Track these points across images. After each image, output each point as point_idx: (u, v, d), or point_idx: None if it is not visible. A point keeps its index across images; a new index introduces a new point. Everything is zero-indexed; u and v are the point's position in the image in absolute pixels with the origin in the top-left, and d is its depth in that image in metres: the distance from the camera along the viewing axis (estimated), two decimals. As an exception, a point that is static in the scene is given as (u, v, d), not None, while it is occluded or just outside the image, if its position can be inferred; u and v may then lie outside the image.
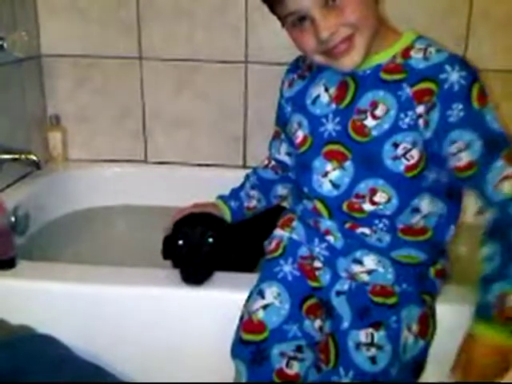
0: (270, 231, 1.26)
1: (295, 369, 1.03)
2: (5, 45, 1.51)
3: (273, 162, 1.32)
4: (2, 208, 1.21)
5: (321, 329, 1.07)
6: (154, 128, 1.91)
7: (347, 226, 1.05)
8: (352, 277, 1.06)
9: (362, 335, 0.99)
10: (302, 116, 1.10)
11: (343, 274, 1.07)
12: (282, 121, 1.22)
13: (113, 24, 1.80)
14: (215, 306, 1.17)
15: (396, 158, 0.98)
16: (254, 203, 1.35)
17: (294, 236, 1.15)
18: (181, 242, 1.19)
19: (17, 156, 1.50)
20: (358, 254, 1.05)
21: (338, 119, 1.04)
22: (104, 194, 1.86)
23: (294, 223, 1.16)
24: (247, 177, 1.37)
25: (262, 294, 1.09)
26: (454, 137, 0.95)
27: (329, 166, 1.04)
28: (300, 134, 1.10)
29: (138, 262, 1.25)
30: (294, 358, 1.03)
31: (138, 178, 1.89)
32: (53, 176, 1.80)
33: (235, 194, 1.36)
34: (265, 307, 1.06)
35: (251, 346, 1.05)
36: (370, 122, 1.00)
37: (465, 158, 0.96)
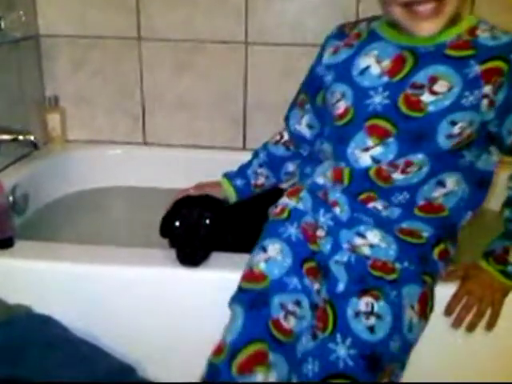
0: (265, 212, 1.25)
1: (291, 324, 1.01)
2: (2, 24, 1.50)
3: (285, 137, 1.30)
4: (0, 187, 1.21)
5: (318, 292, 1.06)
6: (153, 109, 1.90)
7: (361, 198, 1.04)
8: (353, 249, 1.06)
9: (362, 304, 0.99)
10: (347, 86, 1.06)
11: (345, 246, 1.06)
12: (313, 88, 1.19)
13: (111, 3, 1.78)
14: (212, 286, 1.17)
15: (451, 136, 0.97)
16: (261, 180, 1.34)
17: (300, 206, 1.14)
18: (177, 224, 1.19)
19: (15, 136, 1.49)
20: (361, 229, 1.05)
21: (387, 93, 1.00)
22: (103, 175, 1.86)
23: (302, 193, 1.15)
24: (256, 153, 1.35)
25: (264, 249, 1.09)
26: None
27: (370, 142, 1.02)
28: (342, 105, 1.06)
29: (135, 242, 1.25)
30: (293, 314, 1.02)
31: (137, 159, 1.89)
32: (51, 157, 1.79)
33: (242, 172, 1.34)
34: (266, 260, 1.06)
35: (251, 293, 1.04)
36: (427, 97, 0.97)
37: None
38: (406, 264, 1.04)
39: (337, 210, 1.07)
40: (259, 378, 0.96)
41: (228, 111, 1.88)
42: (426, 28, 0.95)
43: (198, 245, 1.15)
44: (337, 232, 1.07)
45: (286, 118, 1.29)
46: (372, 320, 0.98)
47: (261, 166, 1.33)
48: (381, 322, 0.97)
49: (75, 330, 1.16)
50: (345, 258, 1.06)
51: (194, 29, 1.79)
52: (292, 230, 1.10)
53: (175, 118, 1.90)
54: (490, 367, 1.19)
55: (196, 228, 1.17)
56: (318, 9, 1.74)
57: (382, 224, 1.05)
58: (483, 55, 0.95)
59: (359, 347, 0.96)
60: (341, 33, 1.14)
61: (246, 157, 1.38)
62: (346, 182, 1.05)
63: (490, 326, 1.09)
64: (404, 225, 1.04)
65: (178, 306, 1.19)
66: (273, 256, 1.07)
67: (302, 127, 1.25)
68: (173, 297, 1.19)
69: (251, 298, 1.03)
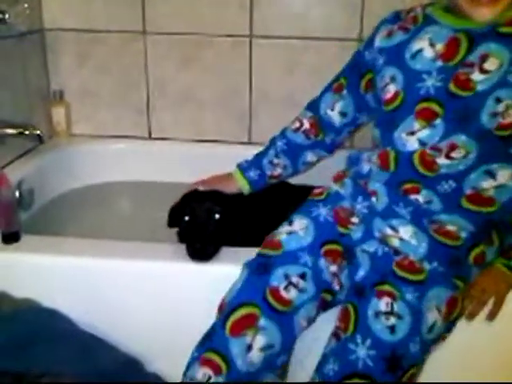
0: (277, 208, 1.25)
1: (291, 295, 1.02)
2: (7, 18, 1.49)
3: (305, 125, 1.28)
4: (6, 182, 1.21)
5: (335, 275, 1.07)
6: (158, 104, 1.89)
7: (405, 187, 1.02)
8: (383, 238, 1.05)
9: (382, 304, 0.98)
10: (398, 70, 1.04)
11: (376, 234, 1.06)
12: (357, 73, 1.18)
13: (116, -3, 1.77)
14: (220, 280, 1.17)
15: (495, 114, 0.94)
16: (278, 171, 1.33)
17: (341, 191, 1.14)
18: (187, 218, 1.18)
19: (20, 130, 1.49)
20: (394, 222, 1.04)
21: (442, 76, 0.99)
22: (108, 169, 1.85)
23: (345, 179, 1.15)
24: (273, 141, 1.33)
25: (290, 222, 1.12)
26: None
27: (416, 125, 1.00)
28: (391, 89, 1.04)
29: (140, 236, 1.25)
30: (295, 286, 1.03)
31: (142, 154, 1.89)
32: (57, 151, 1.79)
33: (257, 162, 1.33)
34: (289, 233, 1.10)
35: (261, 258, 1.07)
36: (476, 75, 0.95)
37: None
38: (435, 264, 1.01)
39: (374, 199, 1.07)
40: (247, 340, 0.98)
41: (233, 105, 1.87)
42: (486, 13, 0.95)
43: (207, 240, 1.15)
44: (370, 220, 1.07)
45: (314, 103, 1.28)
46: (392, 320, 0.97)
47: (278, 155, 1.31)
48: (401, 322, 0.96)
49: (81, 323, 1.16)
50: (372, 249, 1.06)
51: (199, 22, 1.78)
52: (323, 211, 1.12)
53: (180, 113, 1.89)
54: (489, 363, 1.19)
55: (206, 223, 1.17)
56: (323, 2, 1.73)
57: (419, 218, 1.02)
58: None
59: (379, 348, 0.95)
60: (396, 16, 1.12)
61: (252, 151, 1.38)
62: (392, 167, 1.03)
63: (492, 315, 1.09)
64: (443, 217, 1.00)
65: (185, 300, 1.19)
66: (296, 230, 1.09)
67: (334, 113, 1.24)
68: (179, 291, 1.19)
69: (259, 263, 1.06)
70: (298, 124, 1.29)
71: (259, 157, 1.33)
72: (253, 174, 1.32)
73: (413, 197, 1.01)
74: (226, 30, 1.78)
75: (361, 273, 1.05)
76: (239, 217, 1.26)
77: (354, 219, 1.10)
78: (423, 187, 1.00)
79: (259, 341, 0.99)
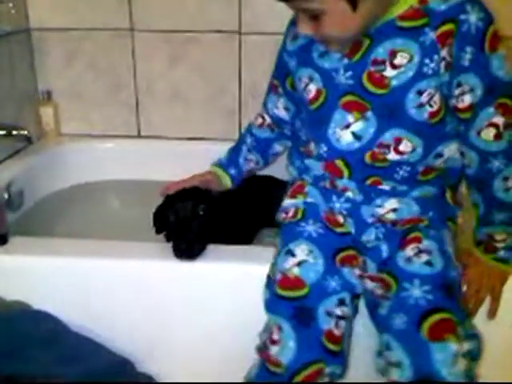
0: (261, 201, 1.23)
1: (342, 328, 1.00)
2: (-9, 18, 1.48)
3: (268, 120, 1.30)
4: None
5: (361, 276, 1.06)
6: (147, 102, 1.88)
7: (368, 182, 1.05)
8: (379, 219, 1.07)
9: (408, 250, 1.03)
10: (312, 70, 1.05)
11: (370, 220, 1.07)
12: (282, 74, 1.19)
13: (102, -6, 1.76)
14: (210, 279, 1.17)
15: (421, 105, 0.97)
16: (251, 166, 1.34)
17: (309, 199, 1.13)
18: (172, 219, 1.18)
19: (8, 131, 1.48)
20: (378, 201, 1.06)
21: (349, 73, 1.00)
22: (97, 168, 1.84)
23: (307, 189, 1.14)
24: (243, 139, 1.34)
25: (292, 253, 1.05)
26: (461, 80, 0.95)
27: (350, 118, 1.01)
28: (312, 88, 1.06)
29: (131, 236, 1.24)
30: (342, 317, 1.00)
31: (132, 152, 1.88)
32: (46, 151, 1.78)
33: (234, 160, 1.33)
34: (299, 264, 1.03)
35: (293, 301, 1.00)
36: (389, 72, 0.97)
37: (466, 101, 0.97)
38: (430, 214, 1.07)
39: (349, 194, 1.07)
40: None
41: (223, 102, 1.86)
42: (342, 51, 0.99)
43: (193, 238, 1.15)
44: (357, 210, 1.08)
45: (264, 104, 1.30)
46: (424, 256, 1.01)
47: (250, 151, 1.33)
48: (432, 256, 1.01)
49: (71, 324, 1.15)
50: (372, 236, 1.08)
51: (187, 19, 1.76)
52: (311, 228, 1.09)
53: (169, 111, 1.88)
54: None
55: (190, 221, 1.16)
56: (311, -3, 1.72)
57: (396, 194, 1.06)
58: (436, 21, 0.94)
59: (429, 281, 0.97)
60: None
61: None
62: (346, 173, 1.06)
63: (492, 313, 1.09)
64: (414, 193, 1.06)
65: (174, 300, 1.19)
66: (303, 259, 1.04)
67: (280, 110, 1.25)
68: (168, 290, 1.18)
69: (295, 310, 0.99)
70: (260, 120, 1.31)
71: (234, 155, 1.34)
72: (233, 171, 1.33)
73: (379, 187, 1.05)
74: (214, 26, 1.76)
75: (384, 253, 1.07)
76: (224, 214, 1.25)
77: (339, 218, 1.10)
78: (382, 179, 1.04)
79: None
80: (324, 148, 1.06)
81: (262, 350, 1.01)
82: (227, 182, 1.33)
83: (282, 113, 1.25)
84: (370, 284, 1.07)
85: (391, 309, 0.99)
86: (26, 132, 1.49)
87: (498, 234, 1.07)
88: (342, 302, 1.01)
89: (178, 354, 1.22)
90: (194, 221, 1.16)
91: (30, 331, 1.11)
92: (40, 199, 1.70)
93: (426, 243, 1.03)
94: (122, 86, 1.86)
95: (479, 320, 1.07)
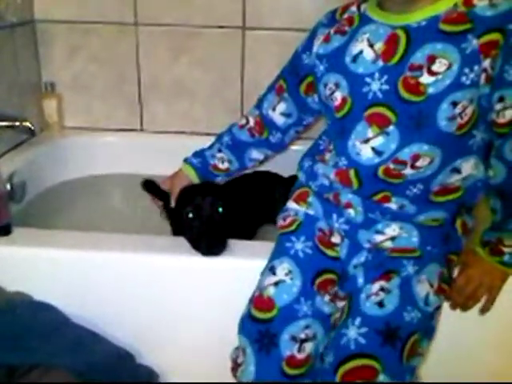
0: (263, 197, 1.23)
1: (307, 350, 1.00)
2: (-3, 9, 1.48)
3: (250, 123, 1.25)
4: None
5: (332, 301, 1.05)
6: (150, 96, 1.89)
7: (376, 198, 1.01)
8: (375, 246, 1.05)
9: (374, 287, 0.99)
10: (340, 76, 1.00)
11: (366, 245, 1.05)
12: (296, 77, 1.14)
13: (107, -12, 1.75)
14: (213, 273, 1.18)
15: (453, 117, 0.91)
16: (225, 165, 1.29)
17: (310, 211, 1.12)
18: (191, 215, 1.18)
19: (11, 123, 1.48)
20: (379, 226, 1.03)
21: (385, 77, 0.94)
22: (100, 162, 1.85)
23: (310, 199, 1.13)
24: (220, 135, 1.31)
25: (273, 271, 1.06)
26: (504, 94, 0.90)
27: (370, 132, 0.96)
28: (338, 96, 1.00)
29: (132, 229, 1.25)
30: (306, 340, 1.00)
31: (134, 146, 1.88)
32: (49, 144, 1.79)
33: (200, 152, 1.31)
34: (276, 284, 1.04)
35: (259, 324, 1.02)
36: (426, 78, 0.90)
37: (507, 116, 0.92)
38: (429, 248, 1.03)
39: (350, 211, 1.04)
40: None
41: (225, 97, 1.87)
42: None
43: (216, 234, 1.15)
44: (354, 234, 1.06)
45: (260, 101, 1.25)
46: (381, 295, 0.97)
47: (221, 150, 1.29)
48: (389, 296, 0.97)
49: (73, 316, 1.16)
50: (362, 259, 1.06)
51: (191, 14, 1.77)
52: (299, 246, 1.08)
53: (172, 105, 1.89)
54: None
55: (213, 217, 1.17)
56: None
57: (399, 217, 1.02)
58: (480, 28, 0.88)
59: (370, 324, 0.95)
60: (331, 19, 1.07)
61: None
62: (355, 184, 1.02)
63: (484, 310, 1.09)
64: (421, 217, 1.02)
65: (177, 293, 1.20)
66: (282, 279, 1.04)
67: (275, 114, 1.21)
68: (171, 284, 1.19)
69: (259, 331, 1.01)
70: (244, 121, 1.27)
71: (202, 149, 1.32)
72: (195, 161, 1.30)
73: (386, 205, 1.01)
74: (218, 21, 1.77)
75: (360, 281, 1.03)
76: (234, 209, 1.26)
77: (335, 238, 1.09)
78: (392, 195, 1.00)
79: None
80: (344, 161, 1.02)
81: (232, 367, 1.06)
82: (190, 172, 1.30)
83: (276, 117, 1.21)
84: (341, 304, 1.06)
85: (330, 342, 0.99)
86: (28, 124, 1.49)
87: (508, 239, 1.04)
88: (308, 326, 1.01)
89: (179, 347, 1.23)
90: (215, 217, 1.17)
91: (31, 322, 1.11)
92: (42, 191, 1.70)
93: (393, 281, 0.99)
94: (126, 79, 1.87)
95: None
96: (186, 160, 1.32)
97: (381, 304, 0.96)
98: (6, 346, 1.06)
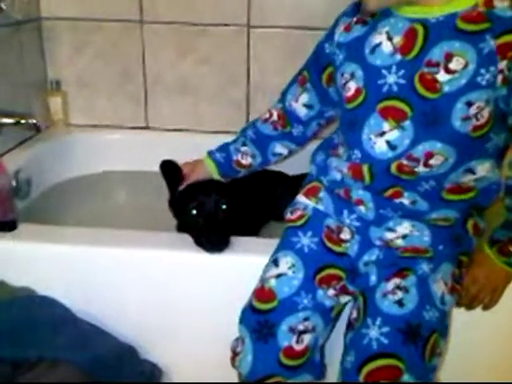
0: (268, 195, 1.23)
1: (305, 342, 1.00)
2: (3, 6, 1.48)
3: (274, 117, 1.25)
4: (3, 171, 1.20)
5: (336, 296, 1.06)
6: (155, 93, 1.89)
7: (387, 194, 1.00)
8: (386, 244, 1.04)
9: (390, 284, 0.99)
10: (358, 66, 0.99)
11: (377, 242, 1.05)
12: (318, 66, 1.13)
13: (113, -14, 1.76)
14: (217, 269, 1.18)
15: (467, 118, 0.90)
16: (248, 160, 1.29)
17: (320, 207, 1.12)
18: (194, 212, 1.18)
19: (17, 120, 1.49)
20: (390, 224, 1.03)
21: (402, 72, 0.93)
22: (105, 159, 1.85)
23: (321, 194, 1.12)
24: (243, 131, 1.31)
25: (276, 263, 1.07)
26: None
27: (386, 125, 0.95)
28: (352, 86, 0.99)
29: (137, 226, 1.25)
30: (305, 332, 1.01)
31: (140, 144, 1.89)
32: (54, 141, 1.79)
33: (224, 146, 1.32)
34: (277, 276, 1.04)
35: (259, 315, 1.03)
36: (443, 76, 0.89)
37: None
38: (440, 247, 1.03)
39: (361, 208, 1.04)
40: None
41: (231, 95, 1.87)
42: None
43: (220, 230, 1.16)
44: (365, 231, 1.06)
45: (283, 94, 1.25)
46: (399, 294, 0.97)
47: (245, 143, 1.29)
48: (408, 295, 0.97)
49: (78, 311, 1.17)
50: (373, 257, 1.05)
51: (197, 11, 1.77)
52: (305, 241, 1.08)
53: (178, 102, 1.89)
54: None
55: (216, 214, 1.17)
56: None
57: (411, 215, 1.02)
58: (499, 28, 0.87)
59: (391, 323, 0.95)
60: (354, 9, 1.06)
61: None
62: (367, 179, 1.00)
63: (487, 308, 1.09)
64: (433, 215, 1.01)
65: (181, 289, 1.20)
66: (284, 272, 1.05)
67: (298, 105, 1.20)
68: (176, 280, 1.19)
69: (258, 322, 1.02)
70: (267, 115, 1.27)
71: (227, 143, 1.32)
72: (218, 155, 1.30)
73: (397, 200, 1.00)
74: (223, 19, 1.77)
75: (373, 279, 1.03)
76: (239, 206, 1.26)
77: (345, 235, 1.08)
78: (405, 190, 0.99)
79: None
80: (358, 154, 1.00)
81: (232, 357, 1.06)
82: (212, 168, 1.31)
83: (299, 108, 1.20)
84: (346, 298, 1.07)
85: (350, 341, 1.00)
86: (34, 121, 1.50)
87: None
88: (307, 318, 1.02)
89: (183, 342, 1.23)
90: (218, 214, 1.18)
91: (36, 317, 1.12)
92: (48, 188, 1.71)
93: (409, 279, 0.99)
94: (131, 77, 1.87)
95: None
96: (209, 153, 1.32)
97: (400, 303, 0.97)
98: (11, 341, 1.06)
